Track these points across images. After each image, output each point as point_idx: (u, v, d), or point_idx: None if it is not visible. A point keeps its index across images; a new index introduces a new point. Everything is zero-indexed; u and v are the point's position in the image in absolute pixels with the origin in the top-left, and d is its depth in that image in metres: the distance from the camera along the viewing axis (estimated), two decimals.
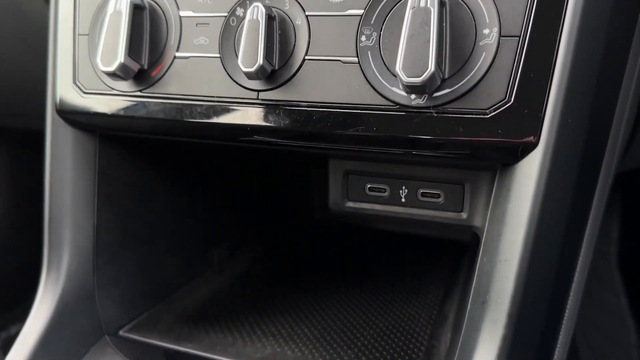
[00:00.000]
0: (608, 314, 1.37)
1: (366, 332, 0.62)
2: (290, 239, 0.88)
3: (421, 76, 0.40)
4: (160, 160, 0.65)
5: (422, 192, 0.52)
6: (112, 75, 0.50)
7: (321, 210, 0.92)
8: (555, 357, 0.50)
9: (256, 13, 0.45)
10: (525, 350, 0.42)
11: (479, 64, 0.41)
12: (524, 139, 0.40)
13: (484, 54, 0.41)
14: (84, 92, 0.54)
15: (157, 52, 0.51)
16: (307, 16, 0.46)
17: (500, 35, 0.40)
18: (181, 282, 0.70)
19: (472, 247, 0.60)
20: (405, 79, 0.40)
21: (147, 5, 0.50)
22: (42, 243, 0.57)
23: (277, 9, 0.47)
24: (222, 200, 0.76)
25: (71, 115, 0.56)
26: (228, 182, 0.78)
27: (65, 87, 0.55)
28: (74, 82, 0.55)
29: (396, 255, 0.83)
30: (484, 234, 0.44)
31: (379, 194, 0.54)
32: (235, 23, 0.48)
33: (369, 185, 0.54)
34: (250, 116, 0.48)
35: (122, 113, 0.53)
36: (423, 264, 0.79)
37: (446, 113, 0.42)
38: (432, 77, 0.39)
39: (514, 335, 0.41)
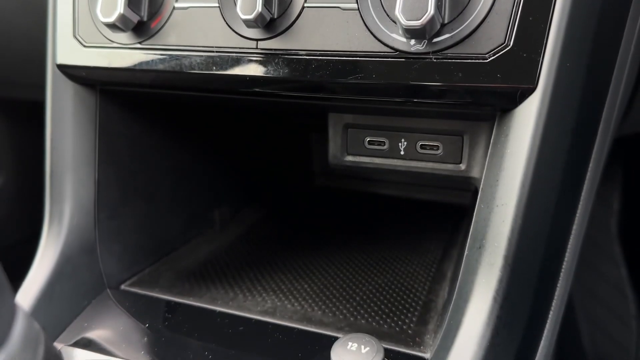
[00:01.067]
0: (607, 285, 1.38)
1: (365, 287, 0.63)
2: (291, 203, 0.89)
3: (420, 19, 0.39)
4: (161, 119, 0.65)
5: (421, 145, 0.52)
6: (112, 26, 0.50)
7: (322, 176, 0.92)
8: (554, 302, 0.51)
9: None
10: (522, 293, 0.42)
11: (478, 8, 0.40)
12: (523, 84, 0.40)
13: None
14: (84, 46, 0.54)
15: (156, 3, 0.51)
16: None
17: None
18: (182, 241, 0.70)
19: (471, 208, 0.60)
20: (404, 22, 0.40)
21: None
22: (43, 196, 0.58)
23: None
24: (224, 162, 0.77)
25: (71, 70, 0.56)
26: (230, 146, 0.78)
27: (65, 41, 0.55)
28: (74, 36, 0.54)
29: (396, 219, 0.84)
30: (482, 182, 0.44)
31: (378, 147, 0.54)
32: None
33: (368, 139, 0.54)
34: (250, 66, 0.48)
35: (121, 66, 0.53)
36: (423, 227, 0.79)
37: (446, 58, 0.42)
38: (432, 20, 0.39)
39: (510, 278, 0.41)
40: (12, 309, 0.25)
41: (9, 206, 1.83)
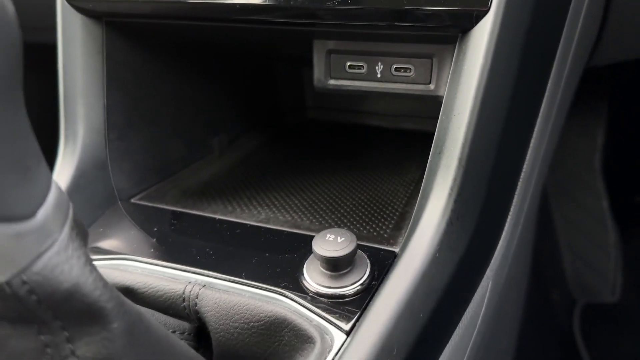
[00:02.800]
0: (589, 217, 1.46)
1: (349, 202, 0.70)
2: (285, 133, 0.95)
3: None
4: (163, 50, 0.71)
5: (395, 67, 0.58)
6: None
7: (314, 110, 0.98)
8: (513, 202, 0.58)
9: None
10: (474, 190, 0.49)
11: None
12: (477, 7, 0.46)
13: None
14: None
15: None
16: None
17: None
18: (185, 164, 0.77)
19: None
20: None
21: None
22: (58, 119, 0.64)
23: None
24: (222, 93, 0.83)
25: (78, 2, 0.61)
26: (228, 78, 0.84)
27: None
28: None
29: (382, 146, 0.90)
30: (445, 95, 0.51)
31: (358, 71, 0.60)
32: None
33: (348, 64, 0.60)
34: None
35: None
36: (406, 153, 0.86)
37: None
38: None
39: (463, 177, 0.48)
40: (48, 175, 0.32)
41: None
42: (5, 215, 0.27)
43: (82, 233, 0.33)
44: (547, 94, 0.57)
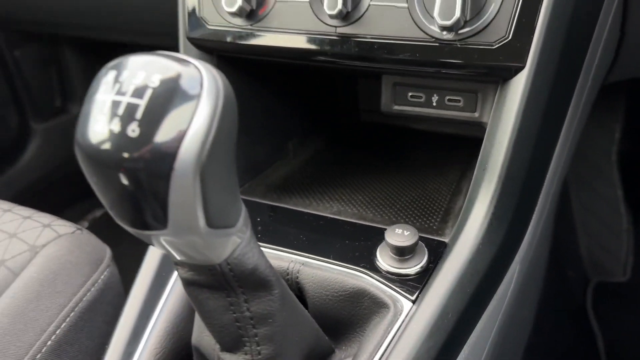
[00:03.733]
0: (605, 204, 1.61)
1: (402, 198, 0.87)
2: (343, 134, 1.12)
3: (450, 20, 0.60)
4: (257, 76, 0.88)
5: (448, 99, 0.74)
6: (232, 13, 0.71)
7: (367, 113, 1.14)
8: (536, 208, 0.74)
9: None
10: (509, 199, 0.66)
11: (489, 12, 0.61)
12: (516, 63, 0.61)
13: (493, 4, 0.61)
14: (207, 24, 0.76)
15: None
16: None
17: None
18: (268, 164, 0.94)
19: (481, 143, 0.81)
20: (439, 21, 0.61)
21: None
22: None
23: None
24: (295, 104, 0.99)
25: (197, 40, 0.78)
26: (300, 91, 1.00)
27: (193, 19, 0.77)
28: (199, 16, 0.76)
29: (427, 148, 1.06)
30: (488, 125, 0.67)
31: (417, 99, 0.76)
32: None
33: (410, 94, 0.76)
34: (329, 44, 0.70)
35: (235, 40, 0.75)
36: (448, 154, 1.02)
37: (467, 44, 0.63)
38: (458, 20, 0.60)
39: (501, 189, 0.64)
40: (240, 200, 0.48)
41: None
42: (227, 224, 0.44)
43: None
44: (570, 107, 0.72)
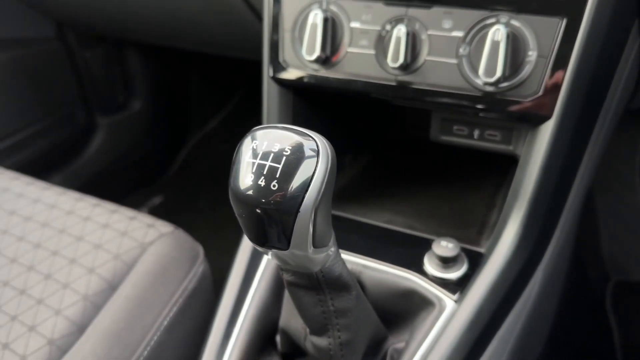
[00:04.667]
0: (628, 209, 1.73)
1: (444, 210, 1.02)
2: (391, 148, 1.27)
3: (493, 77, 0.75)
4: (322, 103, 1.03)
5: (488, 133, 0.89)
6: (310, 61, 0.87)
7: (414, 130, 1.29)
8: (559, 223, 0.88)
9: (399, 30, 0.80)
10: (537, 217, 0.80)
11: (524, 72, 0.75)
12: (545, 114, 0.76)
13: (527, 65, 0.75)
14: (287, 66, 0.92)
15: (335, 46, 0.87)
16: (428, 35, 0.81)
17: (537, 56, 0.75)
18: None
19: (514, 165, 0.95)
20: (483, 78, 0.76)
21: (330, 18, 0.86)
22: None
23: (411, 28, 0.81)
24: (351, 125, 1.15)
25: (278, 79, 0.94)
26: (356, 114, 1.16)
27: (276, 63, 0.93)
28: (281, 60, 0.92)
29: (465, 163, 1.21)
30: (521, 158, 0.81)
31: (461, 132, 0.91)
32: (385, 34, 0.83)
33: (455, 127, 0.91)
34: (390, 89, 0.85)
35: (311, 81, 0.90)
36: (483, 171, 1.16)
37: (505, 97, 0.77)
38: (499, 78, 0.75)
39: (530, 210, 0.79)
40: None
41: (145, 124, 2.29)
42: (324, 244, 0.61)
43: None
44: (593, 134, 0.86)
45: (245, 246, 0.91)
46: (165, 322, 0.86)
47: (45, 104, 1.89)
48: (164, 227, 0.99)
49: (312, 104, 1.02)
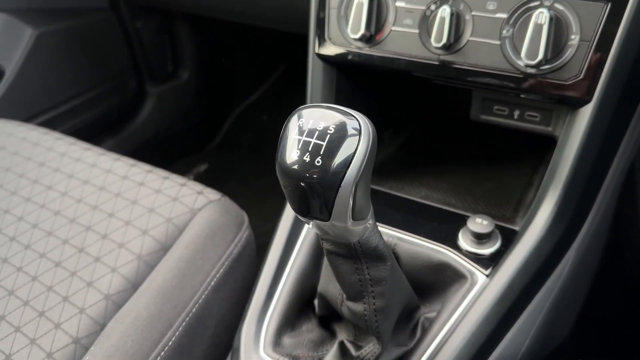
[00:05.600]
0: None
1: (480, 188, 1.04)
2: (430, 126, 1.29)
3: (535, 60, 0.76)
4: (364, 80, 1.06)
5: (527, 114, 0.90)
6: (354, 39, 0.90)
7: (451, 109, 1.30)
8: (593, 206, 0.90)
9: (444, 11, 0.82)
10: (571, 198, 0.82)
11: (566, 54, 0.76)
12: (586, 97, 0.77)
13: (569, 49, 0.76)
14: (332, 44, 0.95)
15: (380, 25, 0.89)
16: (472, 15, 0.82)
17: (580, 40, 0.75)
18: None
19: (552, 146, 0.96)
20: (525, 60, 0.77)
21: None
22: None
23: (455, 8, 0.83)
24: (392, 101, 1.18)
25: (323, 56, 0.97)
26: (397, 92, 1.18)
27: (321, 39, 0.96)
28: (327, 37, 0.95)
29: (503, 142, 1.22)
30: (559, 139, 0.83)
31: (501, 112, 0.93)
32: (429, 14, 0.85)
33: (495, 107, 0.93)
34: (432, 68, 0.87)
35: (354, 59, 0.93)
36: (521, 151, 1.17)
37: (546, 78, 0.79)
38: (540, 60, 0.76)
39: (565, 192, 0.81)
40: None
41: (192, 94, 2.37)
42: (362, 217, 0.64)
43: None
44: (635, 115, 0.87)
45: (288, 215, 0.97)
46: (213, 282, 0.92)
47: (98, 72, 1.97)
48: (212, 195, 1.05)
49: (354, 81, 1.05)
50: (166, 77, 2.29)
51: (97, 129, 2.03)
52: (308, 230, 0.94)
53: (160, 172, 1.13)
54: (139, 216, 1.01)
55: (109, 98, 2.06)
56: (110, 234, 0.99)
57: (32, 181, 1.14)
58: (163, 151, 2.31)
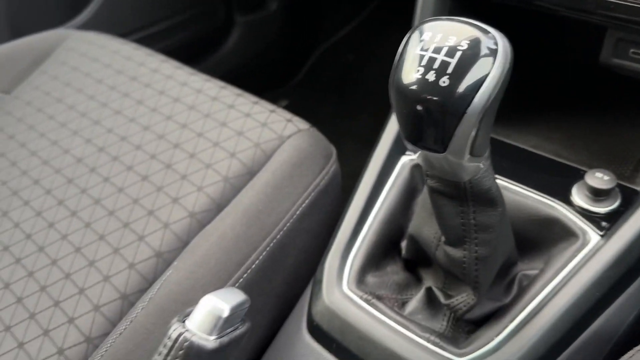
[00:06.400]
0: None
1: (597, 142, 0.93)
2: (544, 68, 1.17)
3: None
4: (486, 16, 0.96)
5: None
6: None
7: (574, 51, 1.17)
8: None
9: None
10: None
11: None
12: None
13: None
14: None
15: None
16: None
17: None
18: None
19: None
20: None
21: None
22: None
23: None
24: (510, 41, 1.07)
25: None
26: (516, 31, 1.07)
27: None
28: None
29: (627, 93, 1.08)
30: None
31: (638, 57, 0.81)
32: None
33: (632, 50, 0.81)
34: None
35: None
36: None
37: None
38: None
39: None
40: None
41: (278, 26, 2.32)
42: (480, 154, 0.57)
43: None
44: None
45: (381, 150, 0.91)
46: (298, 212, 0.89)
47: None
48: (301, 124, 1.00)
49: (470, 11, 0.95)
50: (254, 7, 2.24)
51: (184, 55, 2.03)
52: (401, 169, 0.89)
53: (250, 97, 1.10)
54: (227, 138, 0.98)
55: (196, 23, 2.05)
56: (197, 154, 0.98)
57: (123, 94, 1.14)
58: (246, 83, 2.29)
